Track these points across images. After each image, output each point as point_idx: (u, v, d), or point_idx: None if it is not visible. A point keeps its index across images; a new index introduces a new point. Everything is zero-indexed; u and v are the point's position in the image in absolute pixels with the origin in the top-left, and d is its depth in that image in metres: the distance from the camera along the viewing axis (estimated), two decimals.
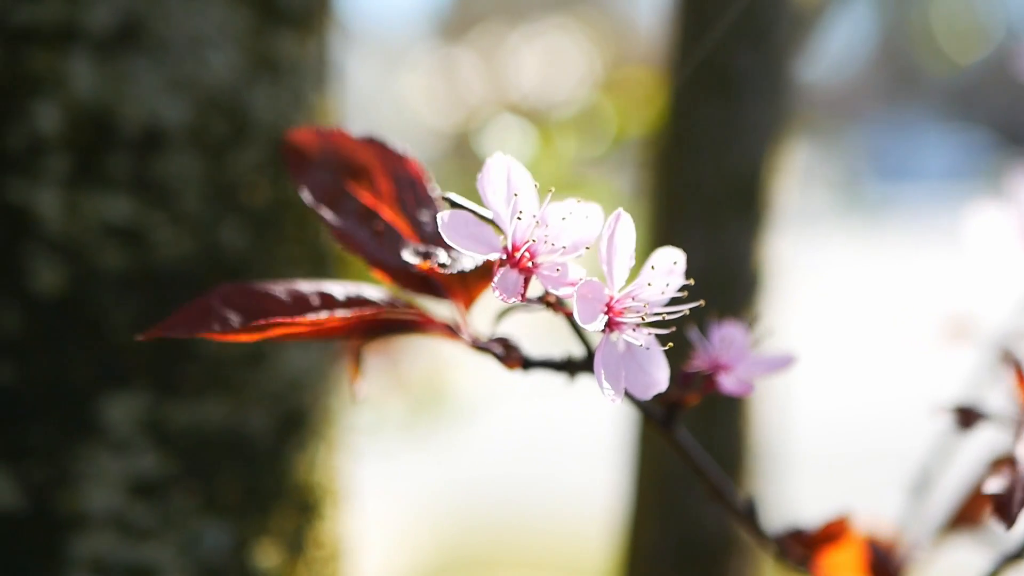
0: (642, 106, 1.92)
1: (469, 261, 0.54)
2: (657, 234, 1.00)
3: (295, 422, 0.84)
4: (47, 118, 0.76)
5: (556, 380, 0.59)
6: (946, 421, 0.71)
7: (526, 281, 0.51)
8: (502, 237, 0.51)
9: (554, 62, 3.29)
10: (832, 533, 0.64)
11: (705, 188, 1.00)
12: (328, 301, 0.56)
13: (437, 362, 2.32)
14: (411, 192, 0.60)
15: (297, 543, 0.84)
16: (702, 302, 0.54)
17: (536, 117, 2.06)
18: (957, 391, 0.86)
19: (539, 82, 3.07)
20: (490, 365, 0.58)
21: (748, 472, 1.00)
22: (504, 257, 0.51)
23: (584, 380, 0.59)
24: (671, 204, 1.02)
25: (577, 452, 3.65)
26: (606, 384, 0.51)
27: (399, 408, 2.23)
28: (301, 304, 0.56)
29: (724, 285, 0.94)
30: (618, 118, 1.95)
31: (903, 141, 14.44)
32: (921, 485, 0.81)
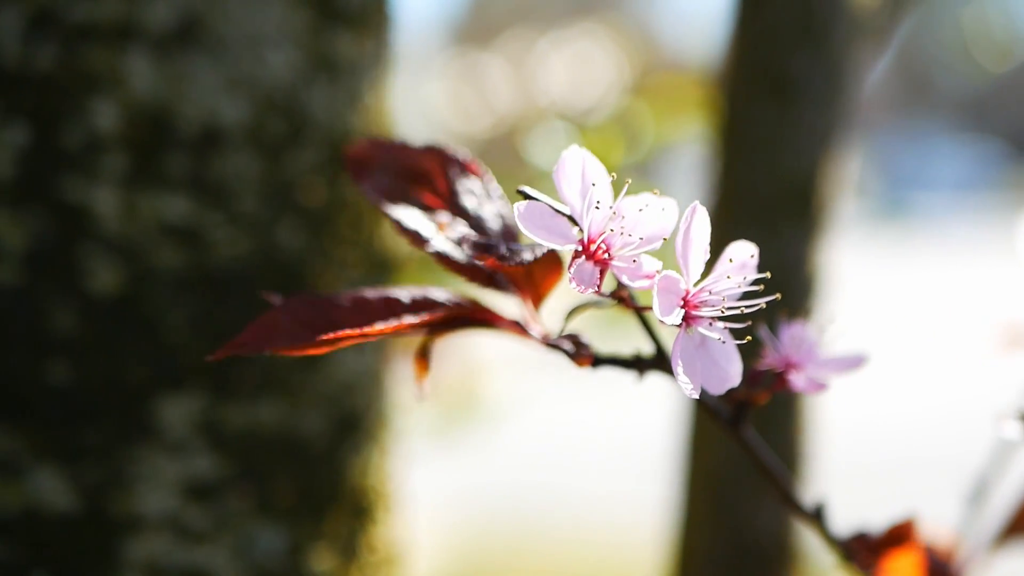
0: (678, 111, 1.91)
1: (530, 253, 0.54)
2: (711, 236, 0.99)
3: (349, 425, 0.84)
4: (105, 116, 0.75)
5: (588, 387, 0.59)
6: (1003, 428, 0.71)
7: (602, 273, 0.51)
8: (577, 229, 0.51)
9: (581, 67, 3.28)
10: (896, 537, 0.64)
11: (760, 191, 0.99)
12: (395, 307, 0.56)
13: (468, 368, 2.32)
14: (472, 192, 0.60)
15: (350, 547, 0.84)
16: (778, 295, 0.53)
17: (569, 122, 2.06)
18: (1008, 399, 0.85)
19: (567, 87, 3.07)
20: (520, 371, 0.58)
21: (799, 477, 0.99)
22: (580, 249, 0.51)
23: (620, 382, 0.58)
24: (725, 207, 1.01)
25: (603, 460, 3.64)
26: (684, 378, 0.50)
27: (429, 413, 2.22)
28: (368, 312, 0.55)
29: (779, 289, 0.93)
30: (655, 123, 1.94)
31: (916, 151, 14.39)
32: (977, 493, 0.80)
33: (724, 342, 0.51)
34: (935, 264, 8.21)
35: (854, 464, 3.17)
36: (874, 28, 1.01)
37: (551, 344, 0.57)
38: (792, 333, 0.59)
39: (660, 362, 0.57)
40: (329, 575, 0.82)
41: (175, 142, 0.76)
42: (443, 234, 0.58)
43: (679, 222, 0.51)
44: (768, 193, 0.98)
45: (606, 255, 0.51)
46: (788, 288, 0.95)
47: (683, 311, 0.51)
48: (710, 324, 0.51)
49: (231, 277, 0.78)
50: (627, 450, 3.62)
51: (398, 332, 0.54)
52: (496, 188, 0.60)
